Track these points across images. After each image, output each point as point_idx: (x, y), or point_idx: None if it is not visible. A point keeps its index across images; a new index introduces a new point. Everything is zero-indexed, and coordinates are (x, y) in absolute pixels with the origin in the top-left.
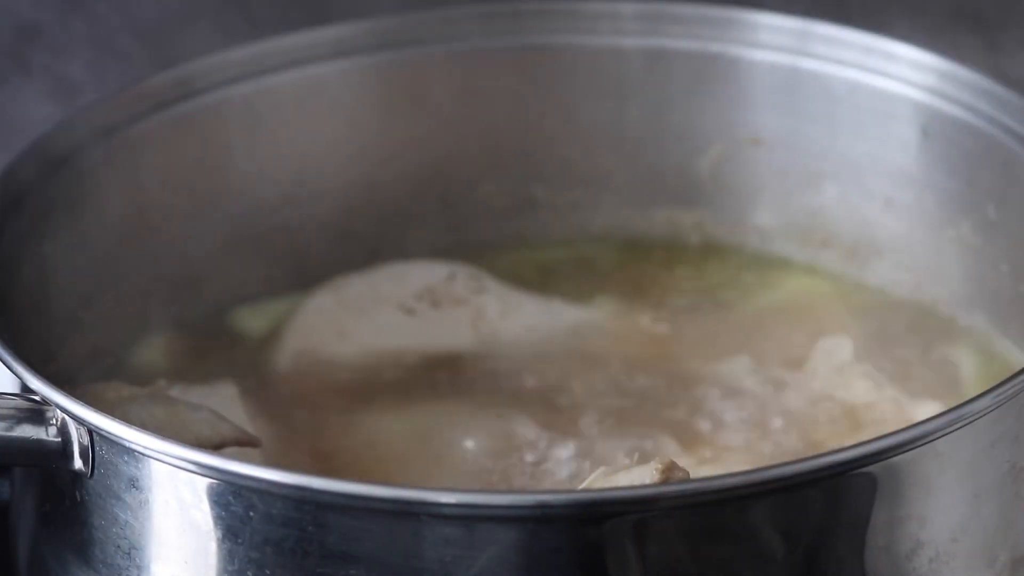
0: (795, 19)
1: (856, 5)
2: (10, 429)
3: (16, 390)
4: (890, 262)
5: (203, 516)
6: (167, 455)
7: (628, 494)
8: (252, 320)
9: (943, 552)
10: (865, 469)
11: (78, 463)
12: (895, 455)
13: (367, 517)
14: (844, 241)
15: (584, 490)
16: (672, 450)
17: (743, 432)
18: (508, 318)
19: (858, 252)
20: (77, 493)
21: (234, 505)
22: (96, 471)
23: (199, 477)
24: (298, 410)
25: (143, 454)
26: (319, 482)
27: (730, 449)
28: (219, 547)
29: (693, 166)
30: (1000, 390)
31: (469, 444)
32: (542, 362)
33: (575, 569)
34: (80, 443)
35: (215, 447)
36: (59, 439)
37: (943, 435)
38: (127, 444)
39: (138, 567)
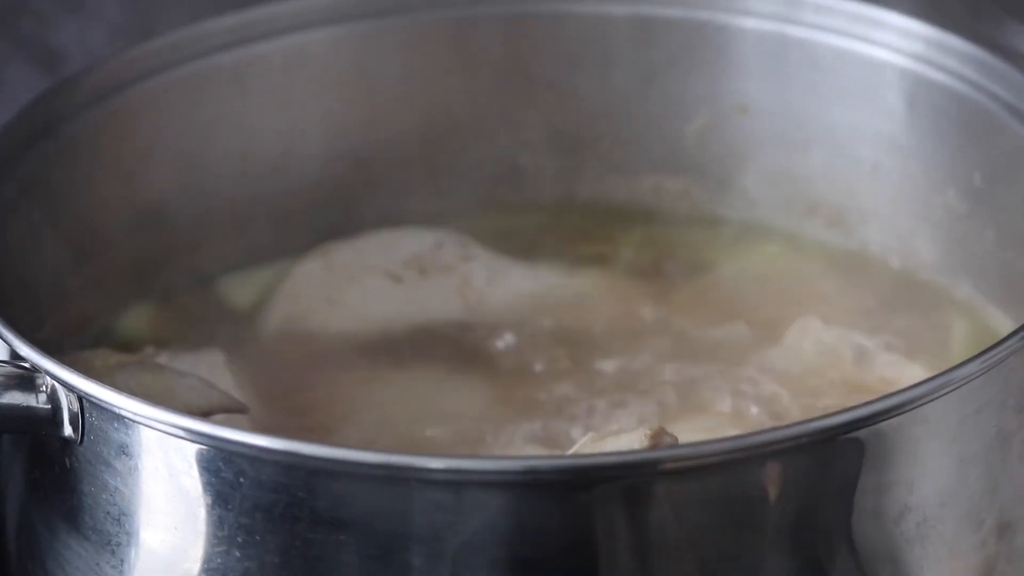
0: None
1: None
2: None
3: (5, 357)
4: (876, 229)
5: (193, 482)
6: (157, 421)
7: (617, 459)
8: (239, 288)
9: (931, 516)
10: (853, 434)
11: (68, 430)
12: (883, 420)
13: (357, 483)
14: (830, 208)
15: (572, 456)
16: (661, 415)
17: (732, 397)
18: (495, 285)
19: (844, 219)
20: (67, 460)
21: (224, 471)
22: (86, 438)
23: (189, 443)
24: (286, 377)
25: (133, 420)
26: (309, 448)
27: (719, 414)
28: (209, 513)
29: (679, 133)
30: (987, 356)
31: (458, 410)
32: (529, 329)
33: (564, 534)
34: (70, 410)
35: (204, 414)
36: (49, 406)
37: (930, 400)
38: (117, 411)
39: (127, 533)
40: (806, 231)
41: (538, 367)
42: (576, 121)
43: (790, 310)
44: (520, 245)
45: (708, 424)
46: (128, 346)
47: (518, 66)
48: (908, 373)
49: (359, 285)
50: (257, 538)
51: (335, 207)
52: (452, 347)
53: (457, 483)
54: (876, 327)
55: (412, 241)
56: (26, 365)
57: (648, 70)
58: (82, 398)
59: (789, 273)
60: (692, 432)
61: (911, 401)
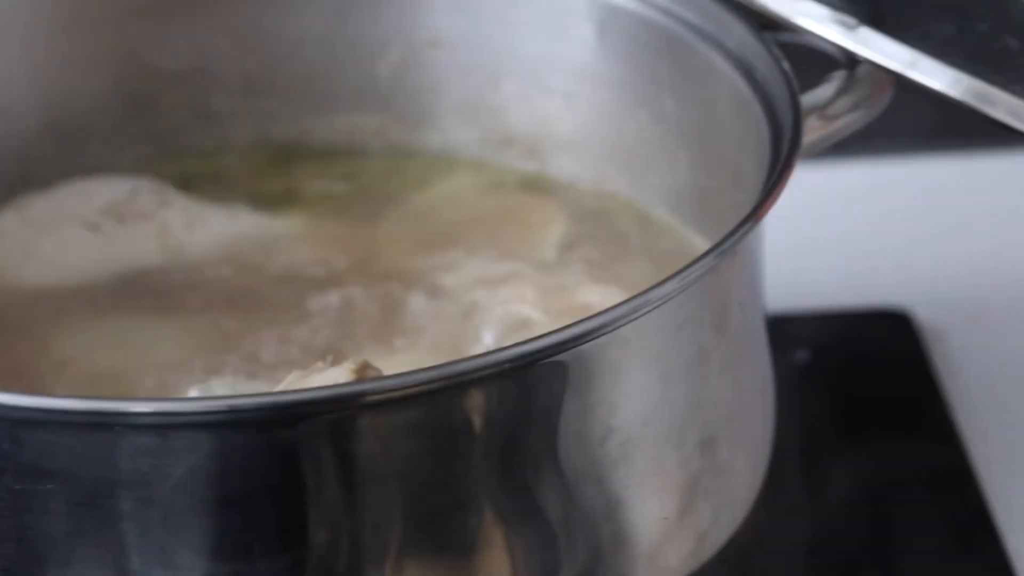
0: None
1: None
2: None
3: None
4: (572, 156)
5: None
6: None
7: (320, 394)
8: None
9: (634, 436)
10: (554, 358)
11: None
12: (583, 343)
13: (62, 431)
14: (526, 138)
15: (275, 392)
16: (368, 350)
17: (436, 328)
18: (194, 230)
19: (540, 148)
20: None
21: None
22: None
23: None
24: None
25: None
26: (11, 399)
27: (424, 346)
28: None
29: (373, 71)
30: (683, 275)
31: (162, 355)
32: (230, 272)
33: (271, 472)
34: None
35: None
36: None
37: (629, 321)
38: None
39: None
40: (503, 161)
41: (241, 309)
42: (268, 62)
43: (491, 240)
44: (218, 189)
45: (415, 356)
46: None
47: (206, 9)
48: (607, 296)
49: (56, 236)
50: None
51: (28, 158)
52: (153, 293)
53: (162, 426)
54: (575, 252)
55: (108, 190)
56: None
57: (338, 8)
58: None
59: (488, 204)
60: (398, 364)
61: (610, 323)
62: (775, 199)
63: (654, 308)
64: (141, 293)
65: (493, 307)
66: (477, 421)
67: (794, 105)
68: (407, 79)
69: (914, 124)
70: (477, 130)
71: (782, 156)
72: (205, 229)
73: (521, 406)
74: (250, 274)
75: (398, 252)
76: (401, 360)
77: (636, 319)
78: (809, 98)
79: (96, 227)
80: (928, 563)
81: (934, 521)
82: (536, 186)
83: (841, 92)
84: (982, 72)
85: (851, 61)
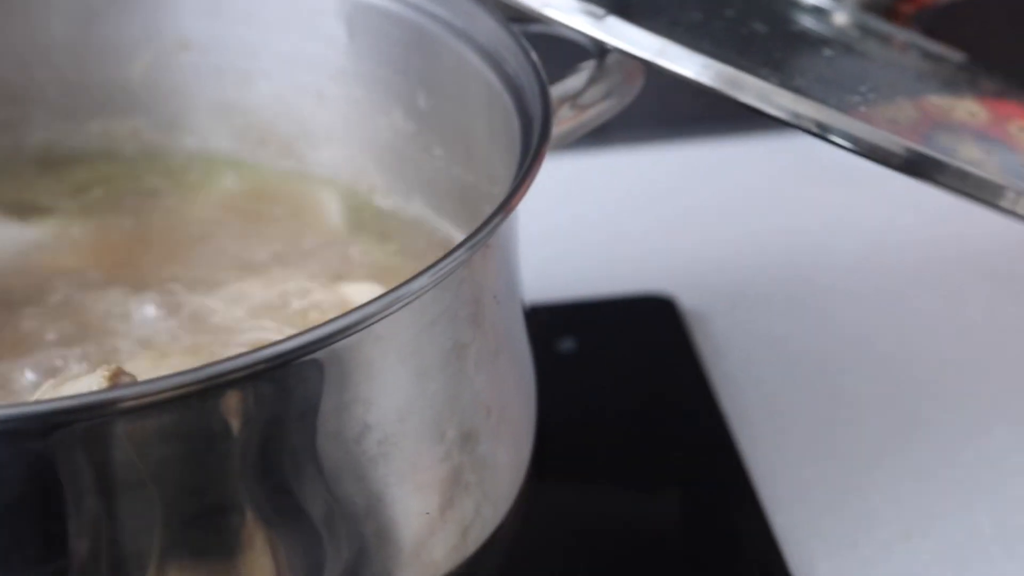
0: None
1: None
2: None
3: None
4: (328, 154)
5: None
6: None
7: (73, 403)
8: None
9: (391, 433)
10: (310, 357)
11: None
12: (337, 341)
13: None
14: (281, 136)
15: (28, 402)
16: (122, 356)
17: (190, 333)
18: None
19: (296, 146)
20: None
21: None
22: None
23: None
24: None
25: None
26: None
27: (179, 351)
28: None
29: (124, 75)
30: (435, 269)
31: None
32: None
33: (27, 483)
34: None
35: None
36: None
37: (382, 318)
38: None
39: None
40: (260, 160)
41: None
42: (18, 68)
43: (246, 239)
44: None
45: (173, 362)
46: None
47: None
48: (364, 292)
49: None
50: None
51: None
52: None
53: None
54: (337, 251)
55: None
56: None
57: (86, 13)
58: None
59: (248, 204)
60: (154, 370)
61: (363, 320)
62: (525, 190)
63: (406, 304)
64: None
65: (247, 306)
66: (234, 423)
67: (543, 96)
68: (159, 82)
69: (669, 110)
70: (232, 130)
71: (532, 147)
72: None
73: (278, 406)
74: (4, 284)
75: (154, 255)
76: (157, 364)
77: (389, 315)
78: (559, 88)
79: None
80: (696, 543)
81: (702, 501)
82: (294, 184)
83: (592, 81)
84: (730, 57)
85: (600, 50)
